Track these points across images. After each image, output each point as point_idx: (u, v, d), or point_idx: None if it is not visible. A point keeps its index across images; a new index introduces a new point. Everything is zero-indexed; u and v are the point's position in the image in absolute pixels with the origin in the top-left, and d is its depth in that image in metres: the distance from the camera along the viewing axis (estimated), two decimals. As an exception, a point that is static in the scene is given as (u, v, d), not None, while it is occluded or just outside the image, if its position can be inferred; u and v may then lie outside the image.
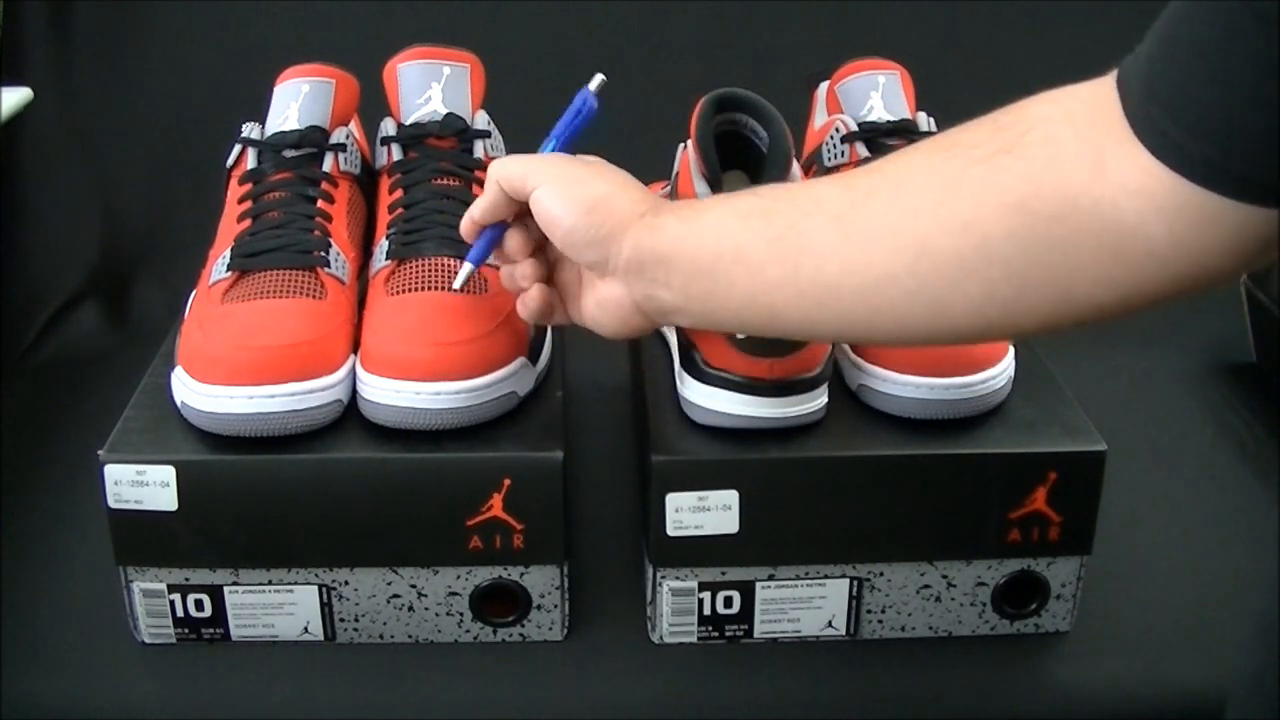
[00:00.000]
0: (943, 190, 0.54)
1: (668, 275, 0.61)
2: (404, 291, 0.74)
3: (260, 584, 0.74)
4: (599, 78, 0.72)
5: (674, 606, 0.75)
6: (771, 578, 0.75)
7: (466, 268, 0.70)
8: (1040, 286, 0.53)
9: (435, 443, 0.71)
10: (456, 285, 0.71)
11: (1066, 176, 0.51)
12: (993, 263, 0.53)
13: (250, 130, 0.82)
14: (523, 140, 0.85)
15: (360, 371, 0.73)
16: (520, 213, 0.67)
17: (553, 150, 0.70)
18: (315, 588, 0.74)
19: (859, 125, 0.82)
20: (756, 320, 0.61)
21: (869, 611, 0.76)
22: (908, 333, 0.58)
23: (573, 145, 0.70)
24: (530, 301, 0.68)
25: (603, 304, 0.65)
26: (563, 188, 0.64)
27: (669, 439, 0.73)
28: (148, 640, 0.75)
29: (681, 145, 0.78)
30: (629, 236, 0.62)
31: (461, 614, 0.75)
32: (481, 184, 0.80)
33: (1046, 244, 0.52)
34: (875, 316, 0.57)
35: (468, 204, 0.78)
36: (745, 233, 0.59)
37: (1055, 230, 0.52)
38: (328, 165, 0.80)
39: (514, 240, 0.68)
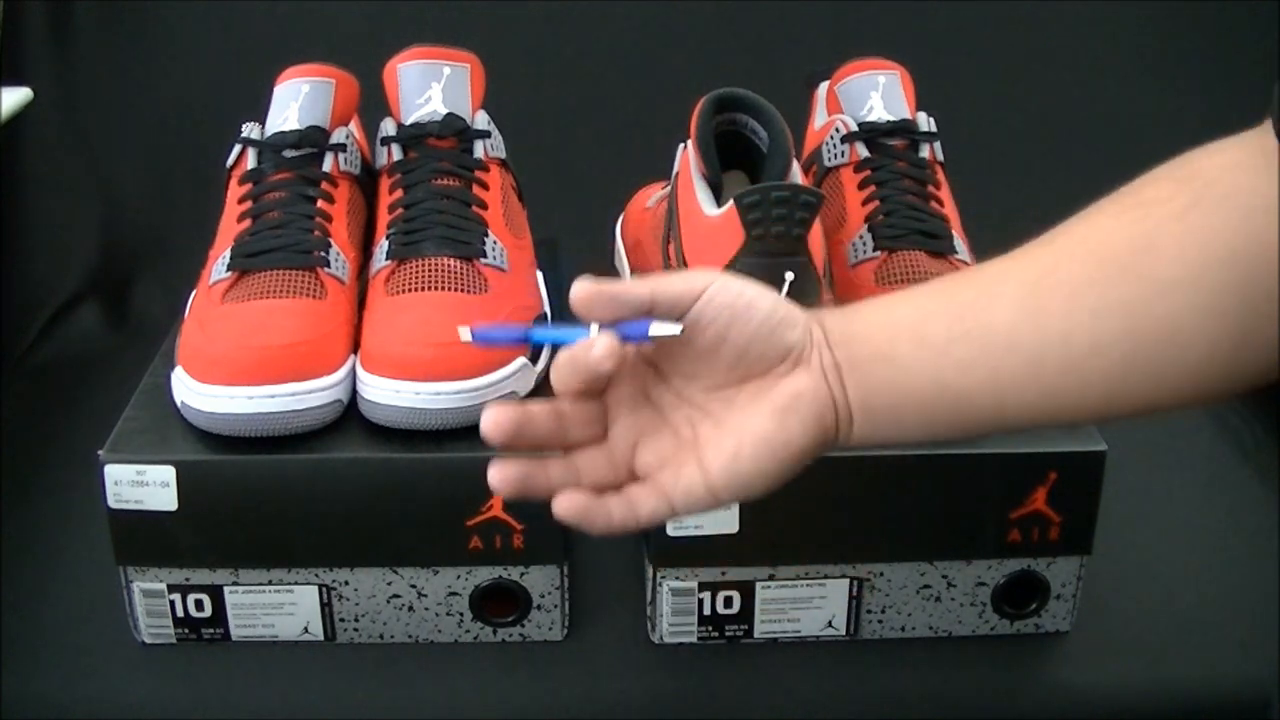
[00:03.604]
0: (1141, 252, 0.52)
1: (850, 359, 0.55)
2: (404, 291, 0.74)
3: (260, 584, 0.74)
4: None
5: (674, 606, 0.75)
6: (771, 578, 0.75)
7: (509, 331, 0.61)
8: (1261, 337, 0.51)
9: (435, 443, 0.71)
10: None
11: (1266, 224, 0.50)
12: (1210, 319, 0.51)
13: (250, 130, 0.82)
14: (523, 140, 0.85)
15: (360, 371, 0.73)
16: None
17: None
18: (315, 588, 0.74)
19: (859, 125, 0.82)
20: (944, 412, 0.55)
21: (869, 611, 0.76)
22: (1117, 406, 0.54)
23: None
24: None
25: (782, 413, 0.55)
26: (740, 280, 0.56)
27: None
28: (148, 640, 0.75)
29: (681, 145, 0.78)
30: (815, 316, 0.56)
31: (461, 614, 0.75)
32: (482, 184, 0.80)
33: (1265, 293, 0.50)
34: (1083, 392, 0.53)
35: (468, 204, 0.79)
36: (921, 314, 0.55)
37: (1268, 279, 0.50)
38: (328, 165, 0.80)
39: (607, 346, 0.53)
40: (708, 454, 0.55)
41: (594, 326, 0.54)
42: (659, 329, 0.54)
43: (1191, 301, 0.51)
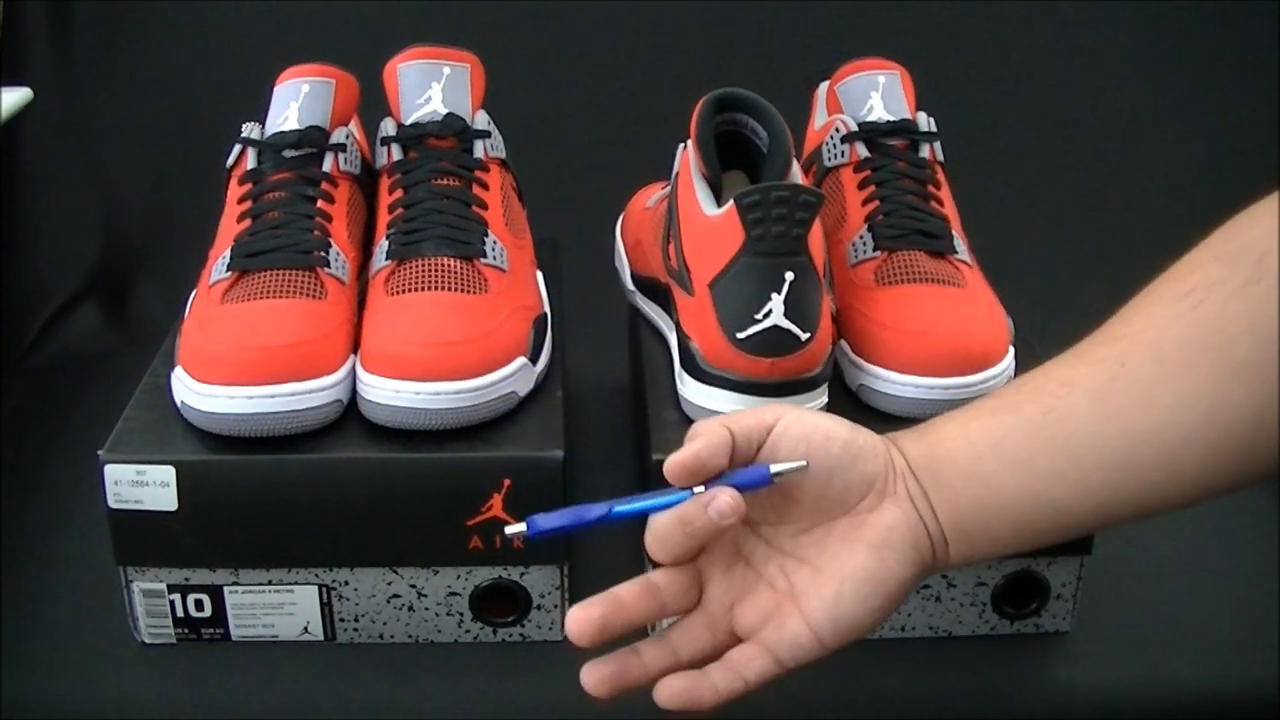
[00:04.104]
0: (1211, 335, 0.51)
1: (936, 483, 0.55)
2: (404, 291, 0.74)
3: (260, 584, 0.74)
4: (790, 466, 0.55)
5: (674, 606, 0.75)
6: (771, 578, 0.75)
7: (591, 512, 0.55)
8: None
9: (435, 443, 0.71)
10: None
11: None
12: None
13: (250, 130, 0.82)
14: (523, 140, 0.85)
15: (360, 371, 0.73)
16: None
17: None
18: (315, 588, 0.74)
19: (859, 125, 0.82)
20: (1039, 521, 0.54)
21: (869, 611, 0.76)
22: (1208, 490, 0.54)
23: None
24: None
25: (879, 549, 0.54)
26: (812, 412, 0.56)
27: (669, 439, 0.73)
28: (148, 640, 0.75)
29: (681, 145, 0.78)
30: (891, 441, 0.56)
31: (461, 614, 0.75)
32: (482, 184, 0.80)
33: None
34: (1178, 483, 0.53)
35: (468, 204, 0.79)
36: (998, 429, 0.54)
37: None
38: (328, 165, 0.80)
39: (731, 502, 0.52)
40: (809, 603, 0.54)
41: (698, 488, 0.53)
42: (783, 467, 0.53)
43: (1269, 380, 0.50)
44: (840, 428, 0.55)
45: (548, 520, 0.56)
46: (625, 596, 0.54)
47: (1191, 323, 0.52)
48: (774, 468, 0.53)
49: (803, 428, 0.54)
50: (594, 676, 0.54)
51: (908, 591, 0.55)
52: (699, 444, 0.53)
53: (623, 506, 0.56)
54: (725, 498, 0.52)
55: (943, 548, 0.55)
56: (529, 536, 0.54)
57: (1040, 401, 0.54)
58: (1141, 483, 0.53)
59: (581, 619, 0.53)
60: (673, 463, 0.53)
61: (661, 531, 0.53)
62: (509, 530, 0.55)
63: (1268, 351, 0.50)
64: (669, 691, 0.53)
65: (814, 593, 0.54)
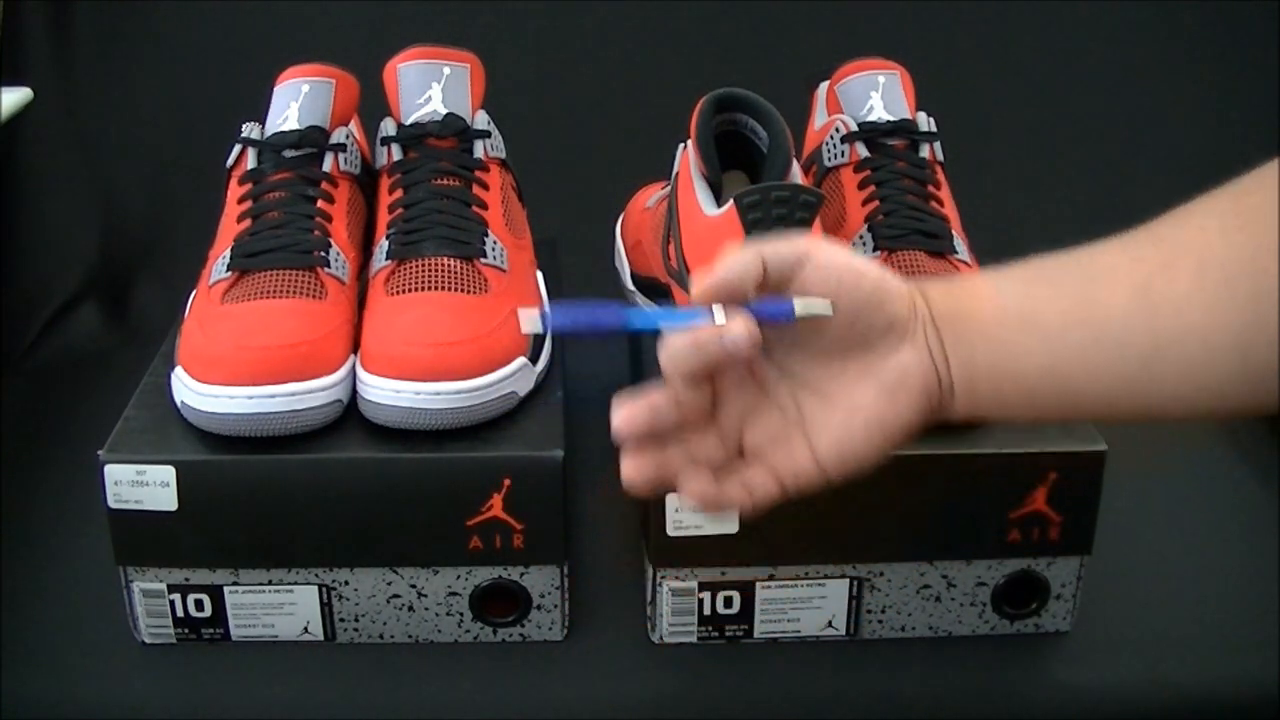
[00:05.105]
0: (1253, 260, 0.50)
1: (956, 337, 0.55)
2: (404, 291, 0.74)
3: (260, 584, 0.74)
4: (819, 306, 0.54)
5: (674, 606, 0.75)
6: (771, 578, 0.75)
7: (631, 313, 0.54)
8: None
9: (435, 443, 0.71)
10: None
11: None
12: None
13: (250, 130, 0.82)
14: (523, 140, 0.85)
15: (360, 371, 0.73)
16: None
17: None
18: (315, 588, 0.74)
19: (859, 125, 0.82)
20: (1049, 396, 0.54)
21: (869, 611, 0.76)
22: (1221, 408, 0.53)
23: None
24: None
25: (891, 390, 0.54)
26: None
27: (669, 439, 0.73)
28: (148, 640, 0.75)
29: (681, 145, 0.78)
30: (918, 289, 0.56)
31: (461, 614, 0.75)
32: (482, 184, 0.80)
33: None
34: (1194, 395, 0.52)
35: (468, 204, 0.79)
36: (1030, 298, 0.54)
37: None
38: (328, 165, 0.80)
39: (747, 332, 0.52)
40: (816, 432, 0.55)
41: (717, 308, 0.51)
42: (807, 307, 0.52)
43: None
44: (872, 268, 0.55)
45: (563, 315, 0.54)
46: (659, 403, 0.55)
47: (1236, 244, 0.52)
48: (798, 307, 0.51)
49: (835, 264, 0.54)
50: (636, 469, 0.55)
51: (912, 434, 0.55)
52: (725, 268, 0.53)
53: (639, 320, 0.55)
54: (740, 330, 0.52)
55: (949, 397, 0.55)
56: (542, 331, 0.53)
57: (1076, 281, 0.54)
58: (1159, 385, 0.53)
59: (631, 413, 0.54)
60: (697, 282, 0.52)
61: (676, 351, 0.53)
62: (523, 320, 0.53)
63: None
64: (698, 485, 0.55)
65: (822, 423, 0.55)
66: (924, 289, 0.56)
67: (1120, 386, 0.54)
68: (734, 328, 0.52)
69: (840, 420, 0.55)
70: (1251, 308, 0.51)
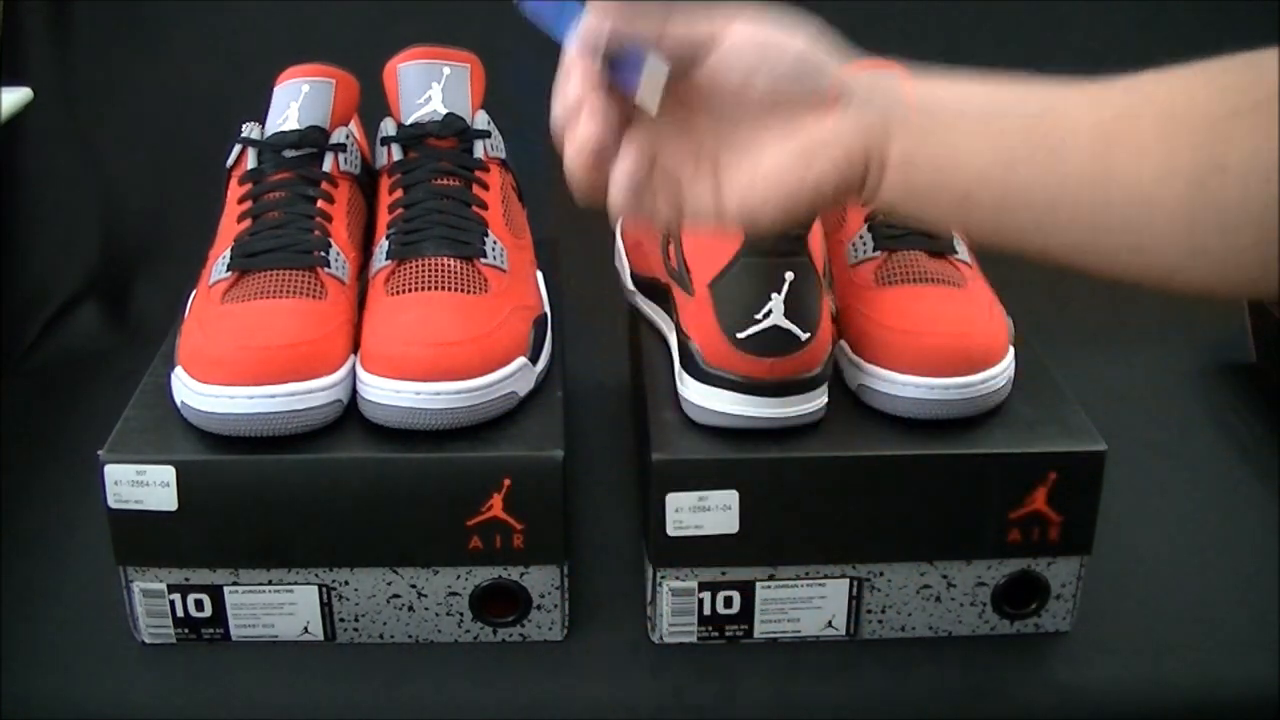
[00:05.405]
0: (1213, 135, 0.49)
1: (904, 120, 0.54)
2: (404, 291, 0.74)
3: (260, 584, 0.74)
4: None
5: (674, 606, 0.75)
6: (771, 578, 0.75)
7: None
8: None
9: (435, 443, 0.71)
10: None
11: None
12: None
13: (250, 130, 0.82)
14: (523, 140, 0.85)
15: (360, 371, 0.73)
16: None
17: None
18: (315, 588, 0.74)
19: (859, 125, 0.82)
20: (985, 208, 0.53)
21: (869, 611, 0.76)
22: (1167, 277, 0.51)
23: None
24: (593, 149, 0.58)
25: (805, 154, 0.55)
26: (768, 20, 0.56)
27: (669, 439, 0.73)
28: (148, 640, 0.75)
29: (681, 145, 0.77)
30: (859, 70, 0.55)
31: (461, 614, 0.75)
32: (482, 184, 0.80)
33: None
34: (1140, 243, 0.51)
35: (468, 204, 0.79)
36: (992, 107, 0.54)
37: None
38: (328, 165, 0.80)
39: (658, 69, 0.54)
40: (725, 176, 0.56)
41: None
42: (648, 93, 0.54)
43: (1262, 192, 0.48)
44: (794, 42, 0.56)
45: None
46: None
47: (1206, 113, 0.50)
48: (641, 93, 0.55)
49: (754, 40, 0.55)
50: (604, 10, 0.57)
51: (816, 205, 0.56)
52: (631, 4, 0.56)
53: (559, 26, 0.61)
54: (578, 71, 0.59)
55: (877, 175, 0.55)
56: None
57: (1038, 104, 0.53)
58: (1098, 226, 0.52)
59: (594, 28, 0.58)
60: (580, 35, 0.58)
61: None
62: None
63: (1262, 163, 0.48)
64: (619, 177, 0.57)
65: (733, 169, 0.56)
66: (880, 74, 0.57)
67: (1061, 221, 0.53)
68: (573, 74, 0.60)
69: (747, 171, 0.56)
70: (1197, 178, 0.49)
